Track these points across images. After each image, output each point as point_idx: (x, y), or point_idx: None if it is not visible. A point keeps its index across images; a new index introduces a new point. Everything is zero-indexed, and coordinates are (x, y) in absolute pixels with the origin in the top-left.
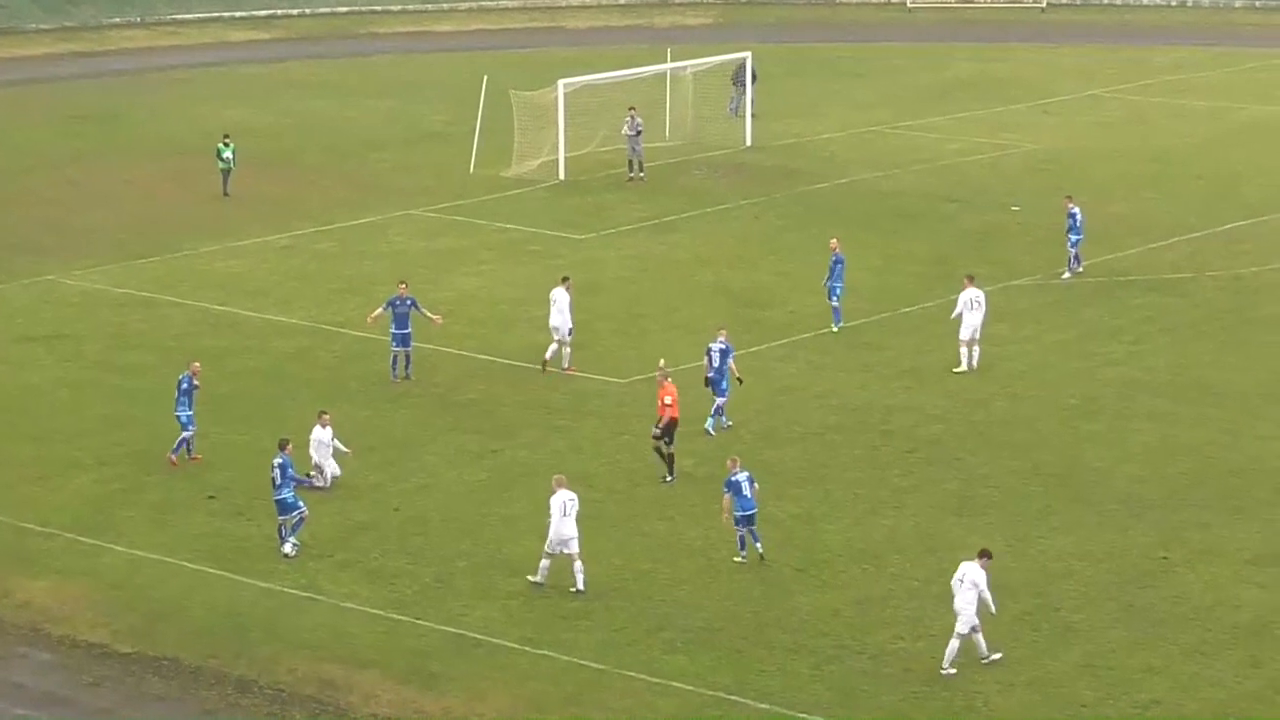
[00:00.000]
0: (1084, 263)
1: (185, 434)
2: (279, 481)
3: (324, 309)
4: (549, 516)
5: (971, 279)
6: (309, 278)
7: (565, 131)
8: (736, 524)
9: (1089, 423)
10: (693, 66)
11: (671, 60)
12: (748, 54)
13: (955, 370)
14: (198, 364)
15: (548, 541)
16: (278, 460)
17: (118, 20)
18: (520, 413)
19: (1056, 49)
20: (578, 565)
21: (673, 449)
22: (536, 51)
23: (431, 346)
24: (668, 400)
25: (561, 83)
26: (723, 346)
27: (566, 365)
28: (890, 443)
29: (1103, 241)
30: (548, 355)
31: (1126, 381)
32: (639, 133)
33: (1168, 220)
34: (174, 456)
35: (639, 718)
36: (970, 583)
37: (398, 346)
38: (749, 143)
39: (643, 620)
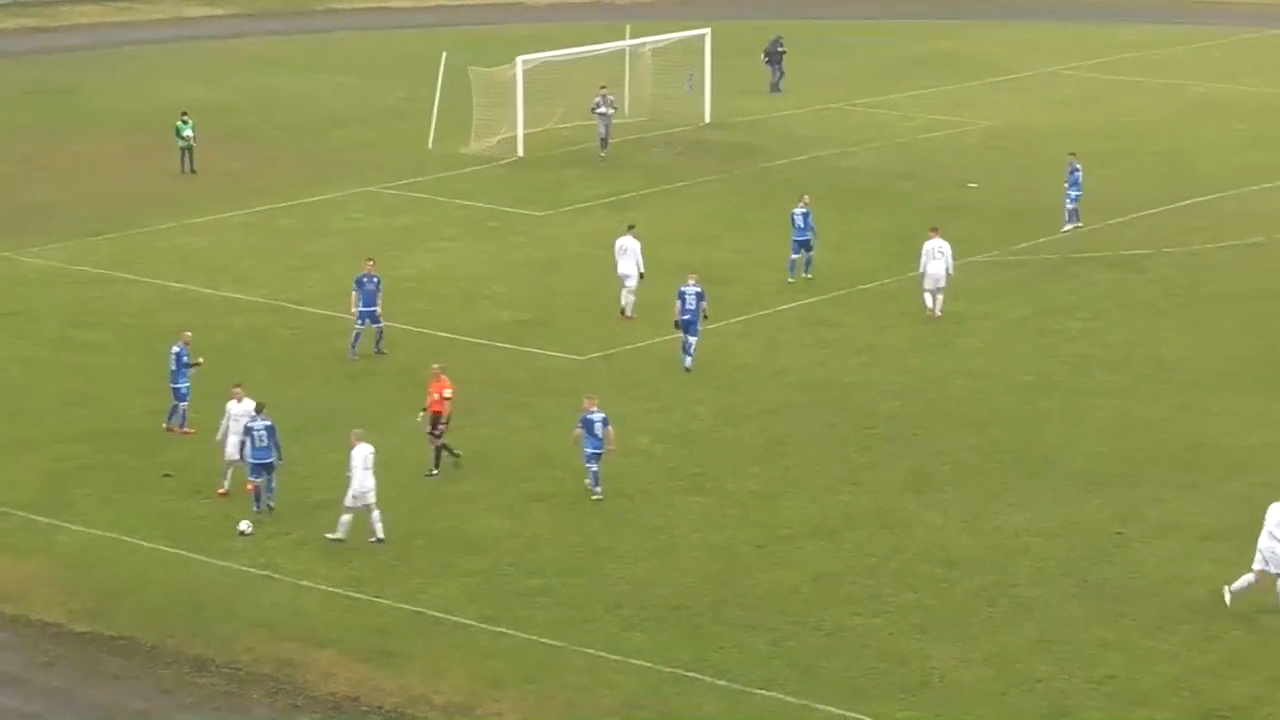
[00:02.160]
0: (1081, 219)
1: (180, 405)
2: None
3: (283, 286)
4: (348, 471)
5: (935, 230)
6: (267, 255)
7: (524, 108)
8: (586, 460)
9: (1046, 399)
10: (652, 44)
11: (631, 37)
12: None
13: (926, 314)
14: (189, 333)
15: (349, 495)
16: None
17: None
18: (480, 390)
19: (1014, 26)
20: (375, 514)
21: (442, 442)
22: (495, 28)
23: (391, 324)
24: (447, 394)
25: (520, 59)
26: (697, 290)
27: (630, 313)
28: (848, 420)
29: (1058, 218)
30: (622, 303)
31: (1083, 358)
32: (613, 110)
33: (1124, 197)
34: (171, 424)
35: (597, 695)
36: None
37: (364, 324)
38: (708, 120)
39: (601, 597)
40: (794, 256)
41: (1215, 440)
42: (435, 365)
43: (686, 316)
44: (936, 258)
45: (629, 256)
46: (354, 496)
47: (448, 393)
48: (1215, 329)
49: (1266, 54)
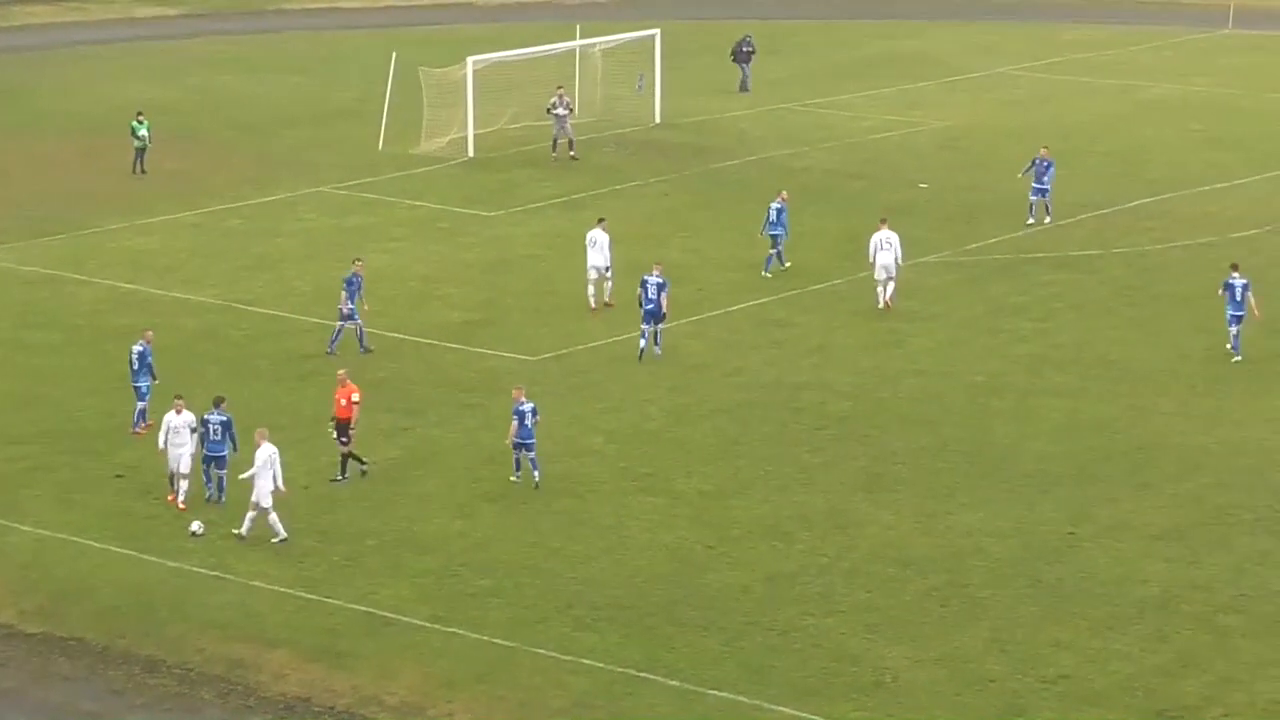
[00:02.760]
0: (1049, 216)
1: (140, 404)
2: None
3: (233, 287)
4: (253, 469)
5: (884, 221)
6: (218, 255)
7: (474, 109)
8: (515, 448)
9: (997, 399)
10: (602, 44)
11: (581, 37)
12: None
13: (878, 307)
14: (150, 332)
15: (256, 493)
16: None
17: None
18: (431, 391)
19: (965, 26)
20: (272, 517)
21: (350, 449)
22: (445, 28)
23: (342, 324)
24: (355, 399)
25: (470, 60)
26: (659, 280)
27: (609, 299)
28: (800, 420)
29: (1010, 218)
30: (591, 295)
31: (1034, 358)
32: (570, 111)
33: (1074, 197)
34: (137, 429)
35: (549, 695)
36: None
37: (347, 321)
38: (658, 120)
39: (553, 598)
40: (770, 252)
41: (1166, 440)
42: (340, 371)
43: (650, 306)
44: (885, 248)
45: (598, 249)
46: (262, 495)
47: (355, 397)
48: (1166, 329)
49: (1219, 55)
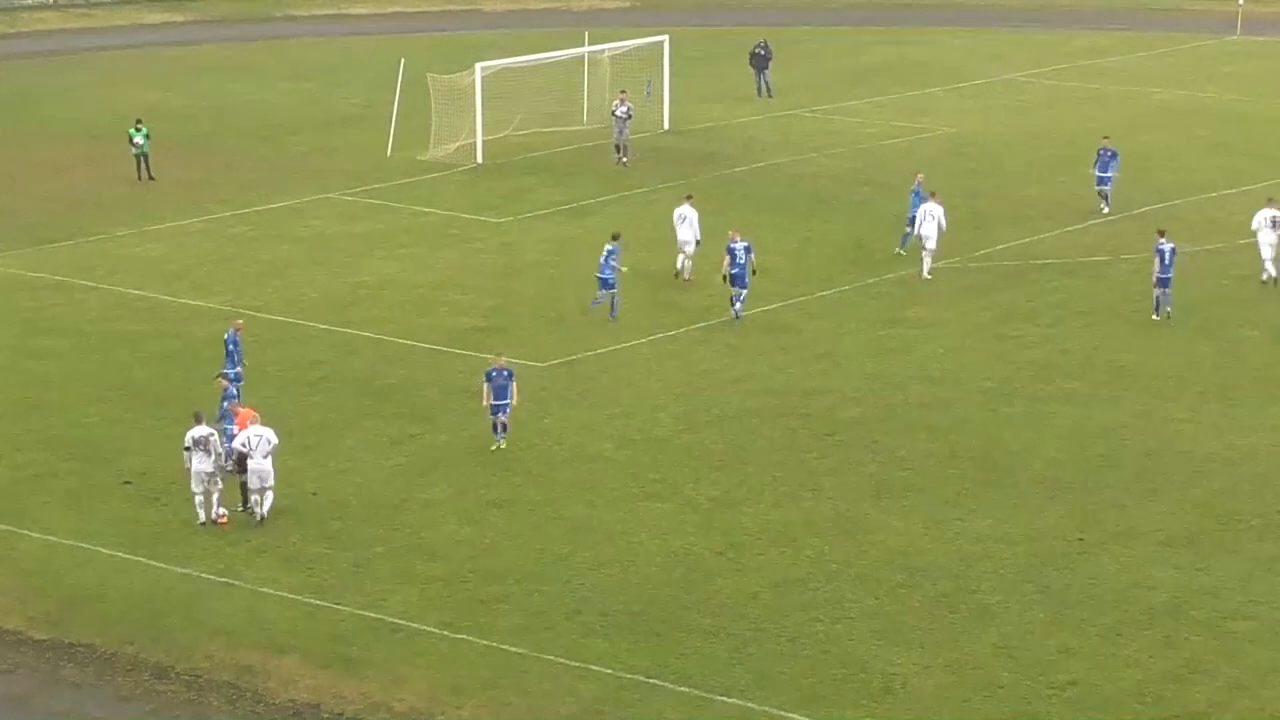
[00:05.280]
0: (1108, 204)
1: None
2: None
3: (241, 293)
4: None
5: (934, 194)
6: (226, 262)
7: (483, 115)
8: (492, 413)
9: (1006, 405)
10: (610, 50)
11: (589, 44)
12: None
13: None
14: (240, 321)
15: (259, 476)
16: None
17: (30, 2)
18: (440, 397)
19: (973, 33)
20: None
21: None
22: (454, 35)
23: (350, 331)
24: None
25: (479, 66)
26: (745, 245)
27: (689, 277)
28: (808, 426)
29: (1018, 225)
30: (679, 266)
31: (1043, 364)
32: (630, 116)
33: (1082, 204)
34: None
35: (558, 701)
36: None
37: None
38: (667, 126)
39: (561, 604)
40: (907, 230)
41: (1175, 446)
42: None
43: (736, 270)
44: (928, 219)
45: (688, 224)
46: (262, 477)
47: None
48: (1174, 335)
49: (1227, 61)
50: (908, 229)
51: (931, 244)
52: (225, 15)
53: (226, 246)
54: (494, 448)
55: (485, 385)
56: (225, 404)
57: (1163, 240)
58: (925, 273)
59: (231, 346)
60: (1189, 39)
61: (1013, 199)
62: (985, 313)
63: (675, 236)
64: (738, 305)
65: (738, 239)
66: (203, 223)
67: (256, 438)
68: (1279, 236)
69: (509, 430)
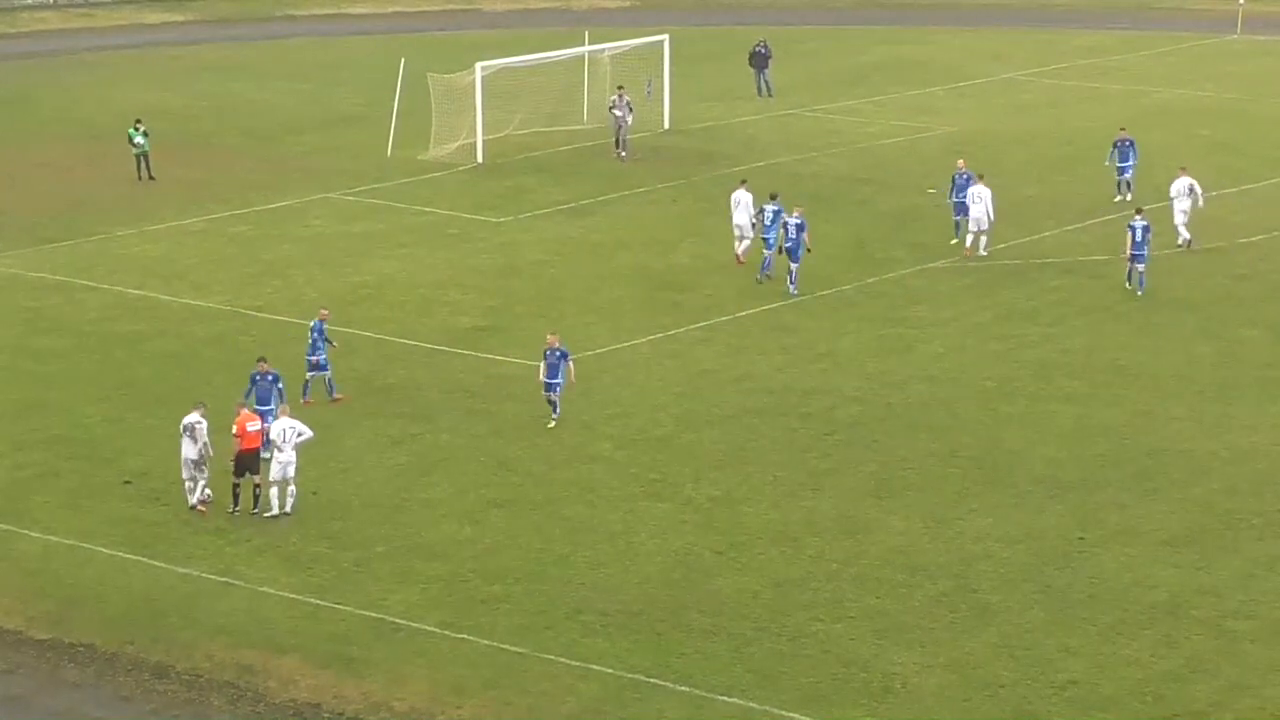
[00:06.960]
0: (1130, 193)
1: (325, 373)
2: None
3: (241, 293)
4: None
5: (981, 176)
6: (226, 261)
7: (483, 115)
8: (546, 390)
9: (1006, 405)
10: (610, 50)
11: (589, 43)
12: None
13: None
14: (326, 310)
15: (282, 470)
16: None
17: (29, 2)
18: (440, 396)
19: (973, 32)
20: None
21: (257, 479)
22: (454, 34)
23: (351, 330)
24: (250, 428)
25: (479, 65)
26: (799, 221)
27: (743, 259)
28: (808, 425)
29: (1018, 224)
30: (739, 250)
31: (1043, 363)
32: (630, 111)
33: (1082, 203)
34: (307, 399)
35: (558, 701)
36: None
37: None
38: (667, 125)
39: (562, 603)
40: (956, 218)
41: (1175, 445)
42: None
43: (789, 244)
44: (976, 202)
45: (742, 209)
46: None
47: (250, 427)
48: (1174, 334)
49: (1227, 60)
50: (956, 217)
51: (984, 225)
52: (225, 15)
53: (226, 246)
54: (549, 425)
55: (542, 363)
56: (265, 385)
57: (1138, 218)
58: (982, 249)
59: (316, 335)
60: (1189, 38)
61: (1013, 198)
62: (985, 312)
63: (730, 220)
64: (791, 282)
65: (798, 214)
66: (203, 222)
67: (289, 429)
68: (1192, 204)
69: (559, 410)
